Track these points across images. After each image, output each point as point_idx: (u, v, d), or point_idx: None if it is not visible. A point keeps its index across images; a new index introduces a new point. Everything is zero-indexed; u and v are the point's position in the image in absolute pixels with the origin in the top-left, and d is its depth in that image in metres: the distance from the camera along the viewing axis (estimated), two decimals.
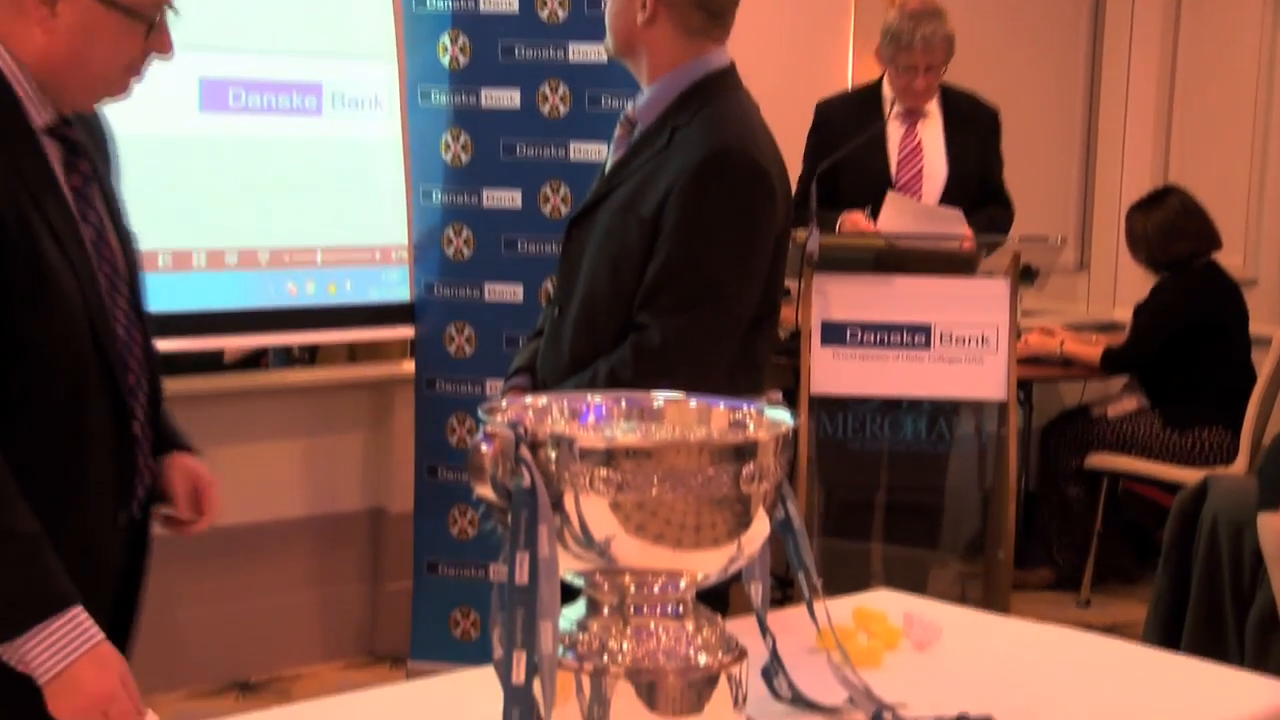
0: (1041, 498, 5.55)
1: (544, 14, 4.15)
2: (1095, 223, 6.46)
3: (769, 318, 2.53)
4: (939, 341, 4.08)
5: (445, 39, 4.21)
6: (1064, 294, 6.19)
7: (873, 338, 4.10)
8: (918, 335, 4.08)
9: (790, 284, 4.40)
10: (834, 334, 4.11)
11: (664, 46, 2.48)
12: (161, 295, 3.82)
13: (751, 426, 1.65)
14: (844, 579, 4.33)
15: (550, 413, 1.68)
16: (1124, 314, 5.53)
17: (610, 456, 1.48)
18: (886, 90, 4.57)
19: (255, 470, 4.37)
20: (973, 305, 4.09)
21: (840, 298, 4.11)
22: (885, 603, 2.10)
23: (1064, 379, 5.49)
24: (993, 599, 4.17)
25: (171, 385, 3.74)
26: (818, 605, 1.72)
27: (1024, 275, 4.17)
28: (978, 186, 4.56)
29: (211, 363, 4.50)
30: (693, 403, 1.72)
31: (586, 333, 2.46)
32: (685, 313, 2.38)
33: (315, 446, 4.52)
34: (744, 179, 2.40)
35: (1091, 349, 5.20)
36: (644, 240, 2.40)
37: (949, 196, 4.49)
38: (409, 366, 4.46)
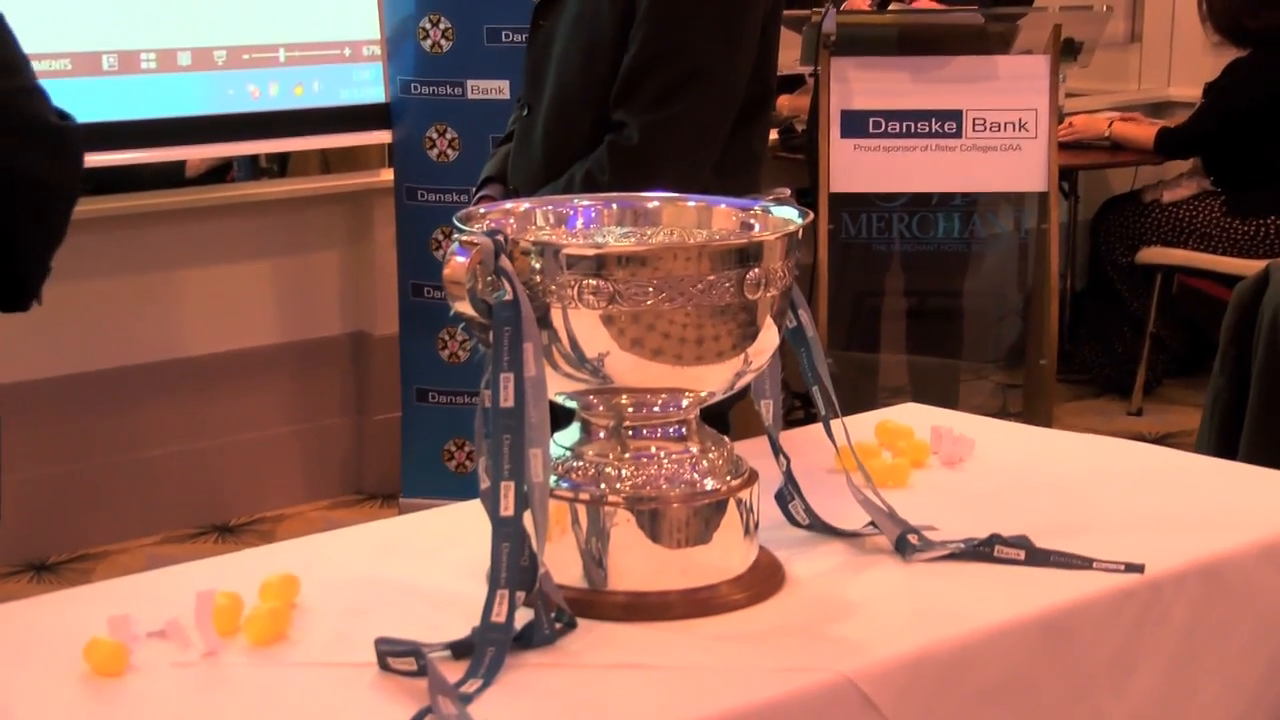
0: (1089, 297, 5.53)
1: None
2: None
3: (762, 106, 2.47)
4: (971, 128, 4.03)
5: None
6: (1112, 72, 6.09)
7: (897, 127, 4.04)
8: (947, 123, 4.03)
9: (804, 70, 4.35)
10: (855, 124, 4.06)
11: None
12: (108, 102, 3.81)
13: (756, 227, 1.63)
14: (867, 394, 4.38)
15: (533, 218, 1.66)
16: (1180, 92, 5.46)
17: (600, 264, 1.47)
18: None
19: (224, 294, 4.37)
20: (1008, 87, 4.02)
21: (861, 84, 4.04)
22: (912, 417, 2.09)
23: (1113, 166, 5.43)
24: (1035, 410, 4.18)
25: (128, 202, 3.73)
26: (835, 422, 1.71)
27: (1066, 50, 4.10)
28: None
29: (171, 177, 4.47)
30: (691, 203, 1.69)
31: (559, 133, 2.41)
32: (666, 106, 2.32)
33: (289, 266, 4.51)
34: None
35: (1144, 130, 5.13)
36: (618, 26, 2.33)
37: None
38: (387, 175, 4.42)
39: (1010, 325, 4.53)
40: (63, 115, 2.05)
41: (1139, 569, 1.62)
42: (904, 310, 4.54)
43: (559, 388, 1.54)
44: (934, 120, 4.03)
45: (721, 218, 1.67)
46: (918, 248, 4.26)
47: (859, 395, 4.18)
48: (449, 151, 4.24)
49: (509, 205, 1.68)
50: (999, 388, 4.64)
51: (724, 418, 2.16)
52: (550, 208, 1.68)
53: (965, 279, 4.44)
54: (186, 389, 4.32)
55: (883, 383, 4.58)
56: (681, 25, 2.32)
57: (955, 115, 4.03)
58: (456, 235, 1.51)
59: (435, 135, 4.24)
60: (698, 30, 2.32)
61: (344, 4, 4.25)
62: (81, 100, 2.07)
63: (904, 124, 4.05)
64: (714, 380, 1.55)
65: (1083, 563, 1.63)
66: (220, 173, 4.73)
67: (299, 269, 4.52)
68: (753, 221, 1.64)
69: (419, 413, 4.32)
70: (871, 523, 1.70)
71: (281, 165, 4.86)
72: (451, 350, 4.29)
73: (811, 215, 1.62)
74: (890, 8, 4.26)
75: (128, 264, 4.12)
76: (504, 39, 4.14)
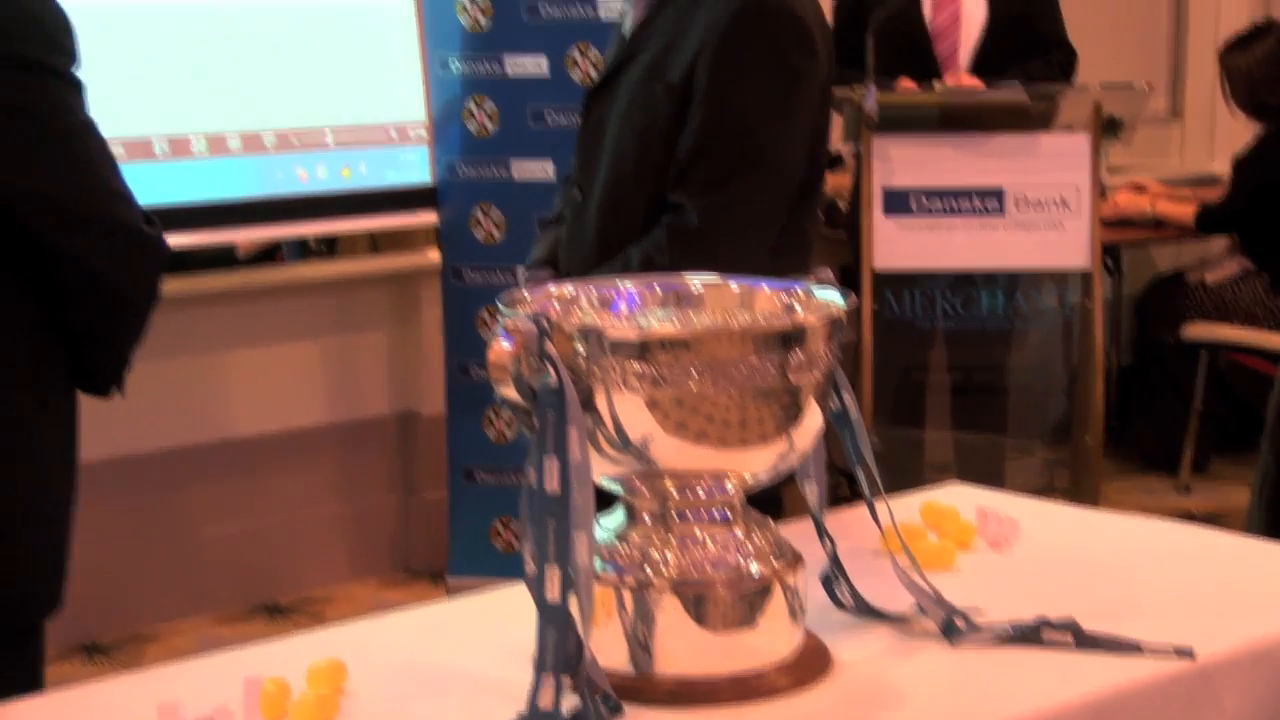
0: (1135, 373, 5.50)
1: None
2: (1189, 65, 6.33)
3: (814, 188, 2.48)
4: (1013, 206, 4.02)
5: None
6: (1154, 147, 6.08)
7: (940, 204, 4.04)
8: (989, 200, 4.02)
9: (845, 149, 4.35)
10: (897, 202, 4.06)
11: None
12: (160, 186, 3.85)
13: (799, 309, 1.63)
14: (912, 470, 4.35)
15: (578, 302, 1.66)
16: (1223, 167, 5.43)
17: (644, 348, 1.46)
18: None
19: (273, 375, 4.39)
20: (1050, 163, 4.02)
21: (903, 161, 4.05)
22: (956, 498, 2.08)
23: (1157, 242, 5.42)
24: (1081, 488, 4.14)
25: (179, 284, 3.77)
26: (879, 504, 1.70)
27: (1108, 128, 4.09)
28: (1025, 33, 4.45)
29: (221, 258, 4.50)
30: (734, 285, 1.69)
31: (614, 217, 2.41)
32: (724, 187, 2.33)
33: (337, 346, 4.53)
34: (780, 31, 2.33)
35: (1186, 207, 5.12)
36: (673, 109, 2.34)
37: (990, 42, 4.40)
38: (434, 255, 4.45)
39: (1056, 401, 4.50)
40: (149, 219, 2.09)
41: (1189, 654, 1.60)
42: (948, 386, 4.52)
43: (603, 470, 1.54)
44: (976, 197, 4.03)
45: (764, 300, 1.67)
46: (961, 325, 4.24)
47: (904, 471, 4.15)
48: (494, 232, 4.26)
49: (553, 288, 1.69)
50: (1045, 464, 4.61)
51: (777, 498, 2.15)
52: (594, 291, 1.68)
53: (1010, 354, 4.43)
54: (235, 469, 4.33)
55: (928, 458, 4.56)
56: (739, 108, 2.33)
57: (997, 193, 4.02)
58: (501, 319, 1.51)
59: (481, 215, 4.26)
60: (755, 114, 2.33)
61: (391, 87, 4.29)
62: (134, 185, 2.10)
63: (946, 201, 4.04)
64: (758, 463, 1.55)
65: (1131, 647, 1.61)
66: (270, 254, 4.77)
67: (347, 349, 4.54)
68: (795, 304, 1.64)
69: (466, 491, 4.32)
70: (918, 605, 1.68)
71: (330, 246, 4.89)
72: (498, 429, 4.29)
73: (854, 298, 1.62)
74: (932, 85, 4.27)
75: (178, 346, 4.14)
76: (548, 120, 4.18)
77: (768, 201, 2.36)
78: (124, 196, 2.06)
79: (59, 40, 2.00)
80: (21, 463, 2.05)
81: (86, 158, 2.02)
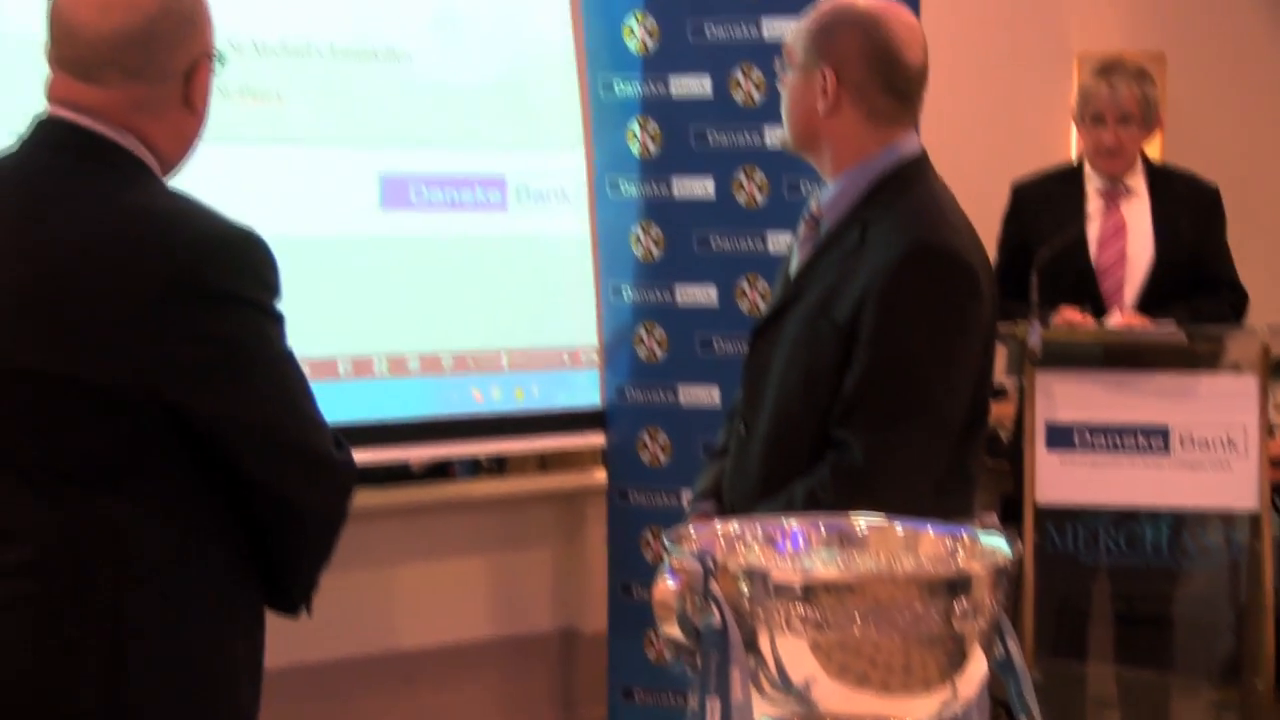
0: None
1: (738, 97, 4.17)
2: None
3: (978, 427, 2.46)
4: (1179, 445, 3.95)
5: (634, 126, 4.26)
6: None
7: (1103, 441, 3.98)
8: (1154, 438, 3.96)
9: (1008, 381, 4.32)
10: (1060, 437, 4.01)
11: (849, 136, 2.43)
12: (342, 404, 3.94)
13: (964, 555, 1.60)
14: (1075, 706, 4.22)
15: (743, 540, 1.66)
16: None
17: (808, 591, 1.45)
18: (1087, 168, 4.47)
19: (440, 589, 4.41)
20: (1216, 404, 3.95)
21: (1066, 397, 4.00)
22: None
23: None
24: None
25: (355, 499, 3.81)
26: None
27: (1276, 369, 4.02)
28: (1193, 273, 4.41)
29: (395, 474, 4.57)
30: (899, 528, 1.67)
31: (778, 453, 2.41)
32: (889, 427, 2.32)
33: (503, 562, 4.56)
34: (947, 275, 2.34)
35: None
36: (839, 348, 2.35)
37: (1156, 281, 4.35)
38: (600, 476, 4.47)
39: (1224, 639, 4.36)
40: (339, 443, 2.14)
41: None
42: (1112, 618, 4.40)
43: (765, 711, 1.51)
44: (1140, 435, 3.97)
45: (929, 544, 1.65)
46: (1125, 560, 4.15)
47: (1066, 706, 4.04)
48: (660, 455, 4.28)
49: (719, 526, 1.68)
50: (1213, 706, 4.44)
51: None
52: (759, 530, 1.68)
53: (1176, 589, 4.31)
54: (397, 682, 4.34)
55: (1091, 692, 4.42)
56: (905, 351, 2.33)
57: (1161, 431, 3.96)
58: (667, 557, 1.51)
59: (648, 439, 4.29)
60: (921, 356, 2.33)
61: (565, 312, 4.37)
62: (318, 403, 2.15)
63: (1110, 438, 3.98)
64: (921, 710, 1.51)
65: None
66: (442, 469, 4.83)
67: (512, 565, 4.56)
68: (960, 550, 1.61)
69: (625, 711, 4.28)
70: None
71: (500, 464, 4.95)
72: (658, 650, 4.26)
73: (1020, 546, 1.59)
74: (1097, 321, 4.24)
75: (348, 558, 4.14)
76: (715, 348, 4.21)
77: (932, 442, 2.35)
78: (319, 425, 2.11)
79: (263, 275, 2.07)
80: (215, 681, 2.07)
81: (285, 389, 2.07)
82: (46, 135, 2.08)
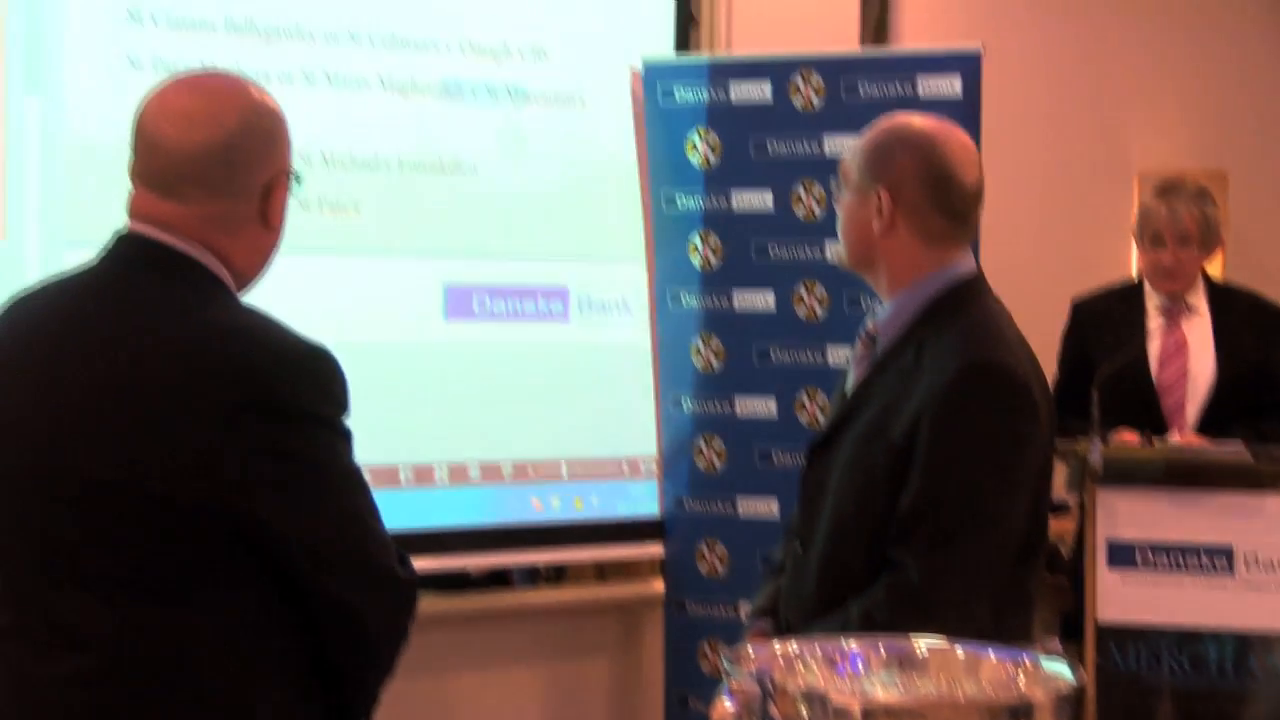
0: None
1: (799, 211, 4.19)
2: None
3: (1038, 547, 2.43)
4: (1244, 566, 3.88)
5: (696, 238, 4.27)
6: None
7: (1166, 560, 3.92)
8: (1218, 558, 3.89)
9: (1069, 497, 4.28)
10: (1122, 555, 3.95)
11: (904, 256, 2.43)
12: (403, 512, 3.94)
13: (1026, 681, 1.57)
14: None
15: (802, 661, 1.64)
16: None
17: (868, 716, 1.43)
18: (1147, 287, 4.45)
19: (498, 697, 4.38)
20: None
21: (1128, 515, 3.95)
22: None
23: None
24: None
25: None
26: None
27: None
28: (1256, 392, 4.36)
29: (454, 582, 4.56)
30: (960, 651, 1.64)
31: (834, 571, 2.39)
32: (946, 548, 2.29)
33: (561, 672, 4.53)
34: (1002, 394, 2.32)
35: None
36: (894, 468, 2.33)
37: (1218, 400, 4.31)
38: (658, 586, 4.44)
39: None
40: (403, 560, 2.14)
41: None
42: None
43: None
44: (1204, 555, 3.90)
45: (990, 669, 1.62)
46: (1189, 682, 4.07)
47: None
48: (718, 566, 4.25)
49: (777, 646, 1.66)
50: None
51: None
52: (818, 650, 1.65)
53: (1242, 712, 4.21)
54: None
55: None
56: (961, 471, 2.30)
57: (1226, 551, 3.90)
58: (725, 678, 1.49)
59: (706, 549, 4.26)
60: (977, 477, 2.30)
61: (625, 422, 4.37)
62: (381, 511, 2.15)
63: (1172, 557, 3.93)
64: None
65: None
66: (501, 577, 4.82)
67: (569, 675, 4.53)
68: (1022, 675, 1.59)
69: None
70: None
71: (558, 572, 4.93)
72: None
73: (1082, 674, 1.56)
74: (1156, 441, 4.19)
75: (406, 666, 4.14)
76: (774, 460, 4.19)
77: (990, 563, 2.32)
78: (384, 543, 2.11)
79: (333, 392, 2.08)
80: None
81: (352, 506, 2.07)
82: (126, 250, 2.11)
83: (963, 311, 2.40)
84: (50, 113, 3.69)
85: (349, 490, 2.07)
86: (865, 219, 2.44)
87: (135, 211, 2.11)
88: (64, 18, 3.71)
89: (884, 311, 2.47)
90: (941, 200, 2.42)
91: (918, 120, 2.49)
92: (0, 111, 3.66)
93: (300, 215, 3.80)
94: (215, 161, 2.08)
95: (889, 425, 2.35)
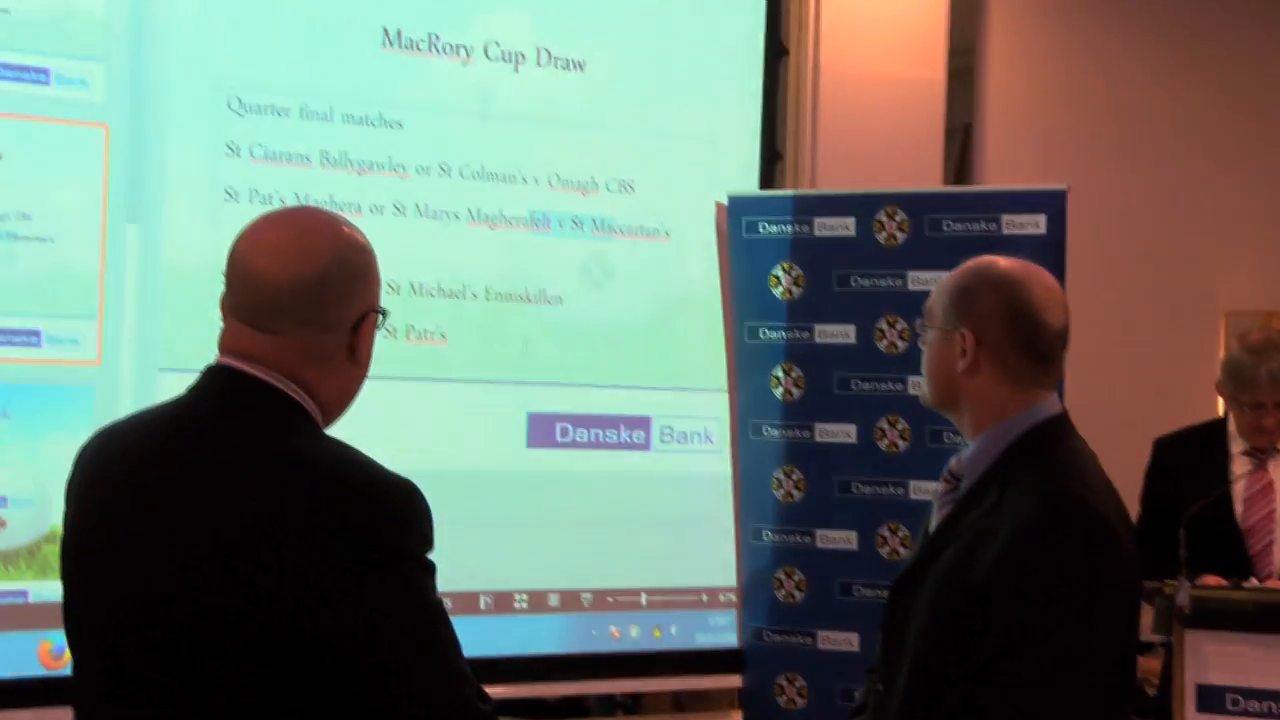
0: None
1: (882, 346, 4.15)
2: None
3: (1125, 689, 2.35)
4: None
5: (779, 371, 4.24)
6: None
7: (1257, 707, 3.80)
8: None
9: (1155, 639, 4.17)
10: (1212, 700, 3.83)
11: (988, 396, 2.40)
12: (482, 639, 3.90)
13: None
14: None
15: None
16: None
17: None
18: (1232, 427, 4.36)
19: None
20: None
21: (1218, 658, 3.84)
22: None
23: None
24: None
25: None
26: None
27: None
28: None
29: (531, 708, 4.50)
30: None
31: (915, 713, 2.32)
32: (1029, 692, 2.22)
33: None
34: (1084, 534, 2.26)
35: None
36: (976, 609, 2.26)
37: None
38: (736, 718, 4.36)
39: None
40: (482, 695, 2.11)
41: None
42: None
43: None
44: None
45: None
46: None
47: None
48: (797, 699, 4.17)
49: None
50: None
51: None
52: None
53: None
54: None
55: None
56: (1044, 609, 2.23)
57: None
58: None
59: (785, 683, 4.18)
60: (1060, 614, 2.23)
61: (705, 552, 4.32)
62: (459, 638, 2.12)
63: (1264, 704, 3.79)
64: None
65: None
66: (578, 706, 4.75)
67: None
68: None
69: None
70: None
71: (636, 701, 4.86)
72: None
73: None
74: (1244, 585, 4.08)
75: None
76: (855, 594, 4.13)
77: (1075, 708, 2.24)
78: (465, 678, 2.07)
79: (420, 527, 2.05)
80: None
81: (436, 642, 2.04)
82: (215, 382, 2.10)
83: (1046, 452, 2.36)
84: (148, 240, 3.75)
85: (432, 624, 2.04)
86: (949, 359, 2.41)
87: (225, 345, 2.11)
88: (164, 149, 3.77)
89: (968, 451, 2.43)
90: (1025, 342, 2.39)
91: (1003, 262, 2.47)
92: (101, 237, 3.71)
93: (387, 341, 3.84)
94: (306, 296, 2.07)
95: (971, 566, 2.29)
